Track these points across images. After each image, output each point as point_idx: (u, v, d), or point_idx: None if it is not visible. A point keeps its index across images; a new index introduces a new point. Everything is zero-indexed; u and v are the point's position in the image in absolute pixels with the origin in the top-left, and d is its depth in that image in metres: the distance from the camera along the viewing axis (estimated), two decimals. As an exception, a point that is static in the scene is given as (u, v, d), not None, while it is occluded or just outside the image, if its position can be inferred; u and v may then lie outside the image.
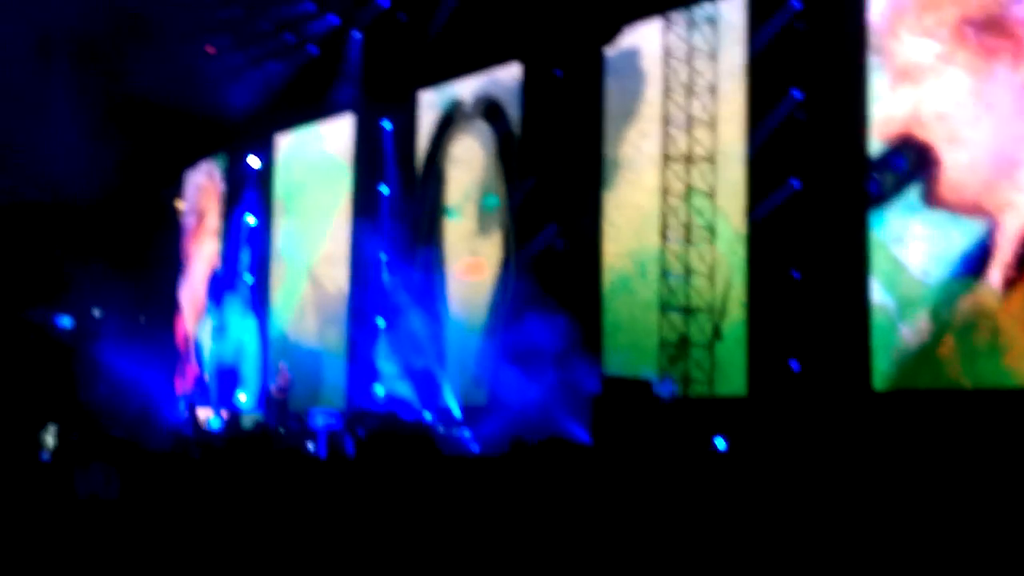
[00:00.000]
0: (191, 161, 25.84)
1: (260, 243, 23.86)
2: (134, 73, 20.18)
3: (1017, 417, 12.66)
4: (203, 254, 25.57)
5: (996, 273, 13.33)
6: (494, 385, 18.06)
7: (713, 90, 16.06)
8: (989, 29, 13.68)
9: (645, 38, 17.38)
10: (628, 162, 17.56)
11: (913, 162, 14.22)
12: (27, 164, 21.94)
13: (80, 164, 20.45)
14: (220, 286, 24.43)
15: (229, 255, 24.37)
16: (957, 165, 13.81)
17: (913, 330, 13.94)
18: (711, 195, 15.90)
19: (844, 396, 14.18)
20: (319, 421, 17.75)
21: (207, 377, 24.22)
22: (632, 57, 17.69)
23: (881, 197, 14.47)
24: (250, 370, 23.22)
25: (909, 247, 14.12)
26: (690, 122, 16.07)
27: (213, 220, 25.33)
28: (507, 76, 19.53)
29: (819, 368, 14.59)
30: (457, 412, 18.40)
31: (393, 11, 20.75)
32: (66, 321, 23.97)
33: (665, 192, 16.14)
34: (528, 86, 19.10)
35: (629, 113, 17.65)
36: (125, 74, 20.52)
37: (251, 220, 23.93)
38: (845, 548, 9.46)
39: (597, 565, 10.04)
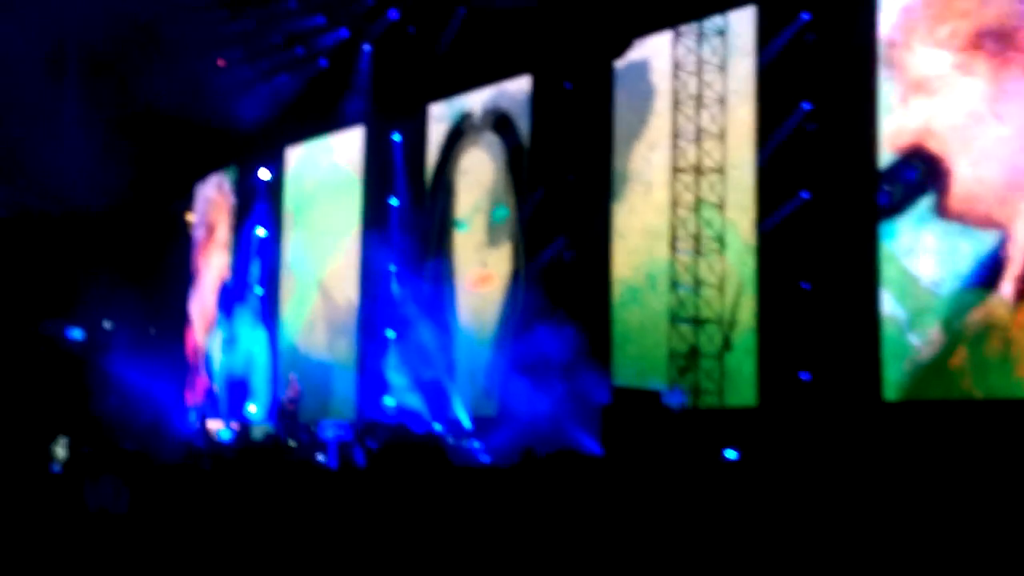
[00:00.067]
0: (201, 174, 25.91)
1: (270, 255, 23.91)
2: (145, 86, 20.26)
3: (1029, 428, 12.65)
4: (213, 266, 25.63)
5: (1008, 285, 13.32)
6: (504, 396, 18.07)
7: (722, 102, 16.09)
8: (1002, 41, 13.69)
9: (654, 51, 17.41)
10: (637, 174, 17.59)
11: (924, 173, 14.22)
12: (39, 176, 22.01)
13: (91, 176, 20.52)
14: (230, 298, 24.48)
15: (239, 267, 24.42)
16: (968, 176, 13.81)
17: (924, 341, 13.93)
18: (721, 206, 15.92)
19: (855, 407, 14.17)
20: (329, 433, 17.76)
21: (217, 389, 24.25)
22: (641, 69, 17.74)
23: (892, 208, 14.47)
24: (260, 382, 23.24)
25: (920, 258, 14.12)
26: (699, 134, 16.10)
27: (223, 232, 25.39)
28: (516, 88, 19.58)
29: (829, 379, 14.58)
30: (467, 423, 18.40)
31: (403, 24, 20.82)
32: (77, 333, 24.03)
33: (674, 204, 16.16)
34: (537, 98, 19.15)
35: (638, 125, 17.68)
36: (136, 87, 20.61)
37: (261, 232, 23.98)
38: (857, 559, 9.44)
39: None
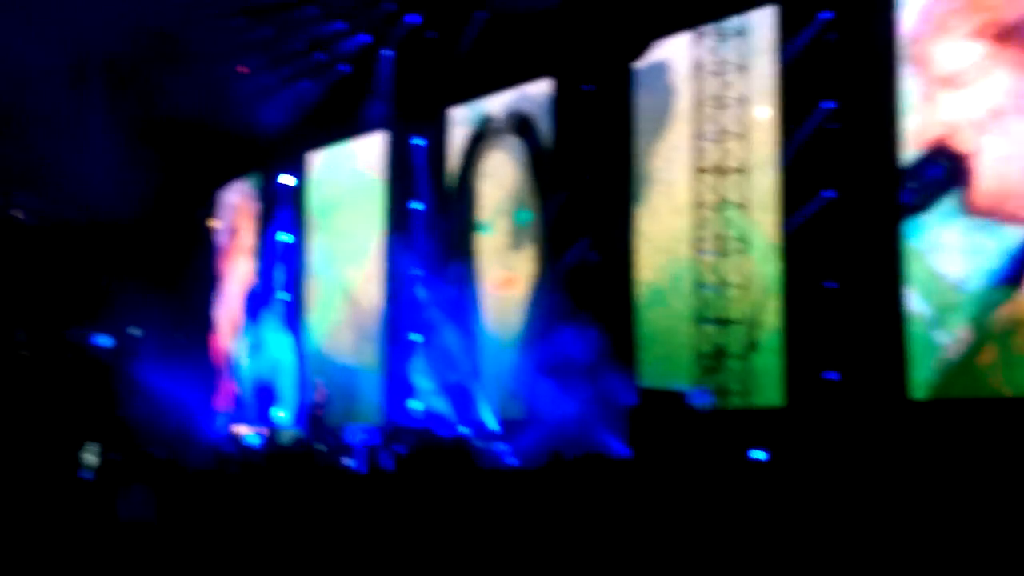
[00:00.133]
0: (225, 180, 26.04)
1: (295, 261, 24.03)
2: (168, 94, 20.38)
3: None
4: (238, 272, 25.77)
5: (1036, 281, 13.30)
6: (530, 399, 18.11)
7: (744, 102, 16.11)
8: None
9: (675, 51, 17.44)
10: (659, 175, 17.61)
11: (949, 170, 14.19)
12: (64, 185, 22.16)
13: (116, 185, 20.66)
14: (256, 304, 24.60)
15: (264, 273, 24.54)
16: (994, 172, 13.78)
17: (951, 339, 13.91)
18: (744, 206, 15.93)
19: (882, 406, 14.15)
20: (356, 437, 17.84)
21: (244, 394, 24.37)
22: (662, 70, 17.76)
23: (917, 206, 14.44)
24: (287, 387, 23.34)
25: (946, 256, 14.09)
26: (721, 134, 16.12)
27: (247, 238, 25.52)
28: (537, 91, 19.63)
29: (856, 378, 14.57)
30: (494, 426, 18.45)
31: (423, 29, 20.89)
32: (105, 340, 24.18)
33: (697, 204, 16.19)
34: (559, 101, 19.19)
35: (660, 126, 17.70)
36: (159, 95, 20.74)
37: (285, 238, 24.09)
38: (886, 558, 9.46)
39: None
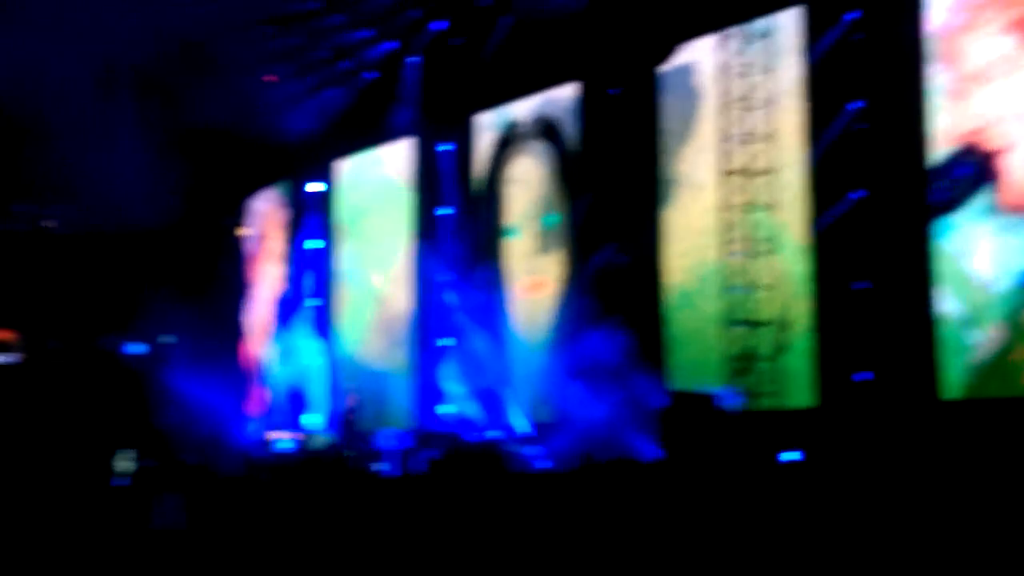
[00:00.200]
0: (254, 188, 26.21)
1: (324, 267, 24.16)
2: (196, 103, 20.53)
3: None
4: (268, 279, 25.92)
5: (1068, 279, 13.24)
6: (560, 402, 18.14)
7: (770, 103, 16.10)
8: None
9: (700, 54, 17.45)
10: (686, 177, 17.62)
11: (979, 168, 14.14)
12: (94, 194, 22.35)
13: (146, 194, 20.84)
14: (286, 310, 24.74)
15: (294, 280, 24.69)
16: (1025, 170, 13.73)
17: (983, 338, 13.85)
18: (772, 208, 15.92)
19: (913, 406, 14.11)
20: (387, 442, 17.92)
21: (276, 400, 24.49)
22: (687, 73, 17.77)
23: (947, 205, 14.39)
24: (318, 393, 23.45)
25: (977, 255, 14.03)
26: (748, 136, 16.12)
27: (276, 245, 25.67)
28: (563, 96, 19.67)
29: (887, 379, 14.53)
30: (525, 429, 18.49)
31: (449, 35, 20.97)
32: (137, 348, 24.37)
33: (725, 206, 16.19)
34: (585, 105, 19.23)
35: (686, 129, 17.70)
36: (187, 104, 20.89)
37: (315, 245, 24.23)
38: (920, 559, 9.44)
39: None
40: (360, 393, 19.89)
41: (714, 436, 13.53)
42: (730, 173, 16.22)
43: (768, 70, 16.18)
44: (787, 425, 14.85)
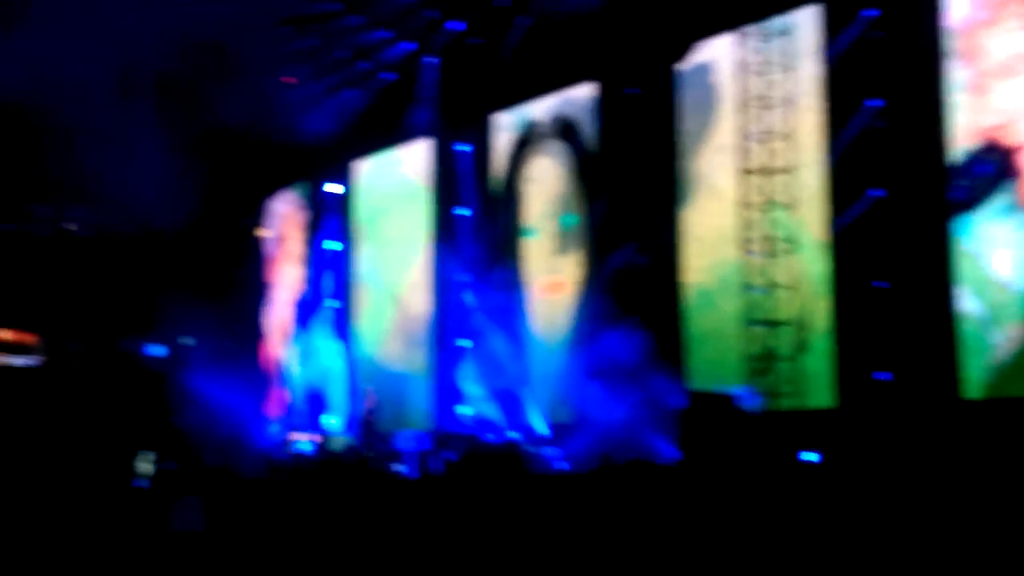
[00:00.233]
0: (273, 190, 26.27)
1: (343, 268, 24.20)
2: (215, 105, 20.59)
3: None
4: (287, 280, 25.98)
5: (1090, 277, 13.13)
6: (579, 403, 18.11)
7: (789, 102, 16.03)
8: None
9: (718, 52, 17.38)
10: (705, 176, 17.55)
11: (999, 166, 14.03)
12: (114, 197, 22.44)
13: (166, 196, 20.91)
14: (305, 311, 24.80)
15: (313, 281, 24.73)
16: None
17: (1005, 337, 13.75)
18: (791, 207, 15.85)
19: (934, 406, 14.02)
20: (406, 443, 17.93)
21: (295, 402, 24.55)
22: (706, 72, 17.70)
23: (967, 203, 14.28)
24: (337, 394, 23.49)
25: (997, 253, 13.93)
26: (767, 134, 16.05)
27: (295, 247, 25.73)
28: (581, 95, 19.64)
29: (908, 378, 14.44)
30: (544, 430, 18.47)
31: (467, 35, 20.96)
32: (157, 350, 24.46)
33: (744, 205, 16.13)
34: (603, 104, 19.19)
35: (705, 128, 17.64)
36: (206, 106, 20.95)
37: (333, 246, 24.27)
38: (939, 558, 9.38)
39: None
40: (379, 394, 19.91)
41: (733, 437, 13.48)
42: (748, 172, 16.15)
43: (786, 68, 16.10)
44: (807, 426, 14.78)
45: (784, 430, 14.47)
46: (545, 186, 20.15)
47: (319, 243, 24.58)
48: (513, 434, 18.24)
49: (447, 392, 20.84)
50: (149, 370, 23.67)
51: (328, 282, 24.28)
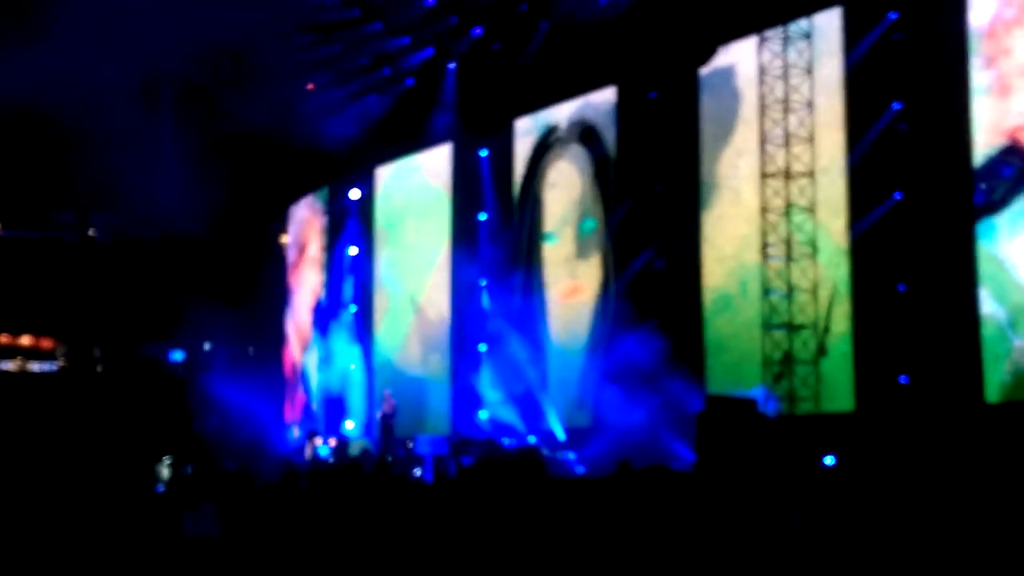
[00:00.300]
0: (295, 195, 26.35)
1: (363, 273, 24.21)
2: (237, 112, 20.66)
3: None
4: (307, 285, 26.03)
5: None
6: (598, 406, 18.05)
7: (810, 105, 15.93)
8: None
9: (739, 56, 17.30)
10: (725, 180, 17.47)
11: (1022, 169, 13.88)
12: (137, 203, 22.56)
13: (188, 202, 20.99)
14: (325, 316, 24.82)
15: (333, 286, 24.77)
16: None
17: (1026, 341, 13.62)
18: (811, 210, 15.74)
19: (956, 409, 13.87)
20: (425, 447, 17.90)
21: (315, 406, 24.58)
22: (727, 76, 17.62)
23: (989, 206, 14.15)
24: (356, 398, 23.50)
25: (1020, 256, 13.77)
26: (788, 138, 15.95)
27: (316, 252, 25.79)
28: (601, 100, 19.59)
29: (929, 382, 14.30)
30: (561, 435, 18.41)
31: (487, 41, 20.96)
32: (178, 354, 24.55)
33: (764, 209, 16.03)
34: (623, 109, 19.14)
35: (725, 132, 17.56)
36: (229, 113, 21.03)
37: (353, 251, 24.30)
38: (961, 562, 9.26)
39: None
40: (397, 398, 19.89)
41: (752, 441, 13.36)
42: (770, 176, 16.05)
43: (808, 71, 16.00)
44: (826, 430, 14.65)
45: (803, 434, 14.35)
46: (565, 191, 20.10)
47: (340, 248, 24.61)
48: (531, 438, 18.18)
49: (466, 396, 20.81)
50: (170, 375, 23.75)
51: (348, 287, 24.30)
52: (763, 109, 16.26)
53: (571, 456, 17.14)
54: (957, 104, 14.56)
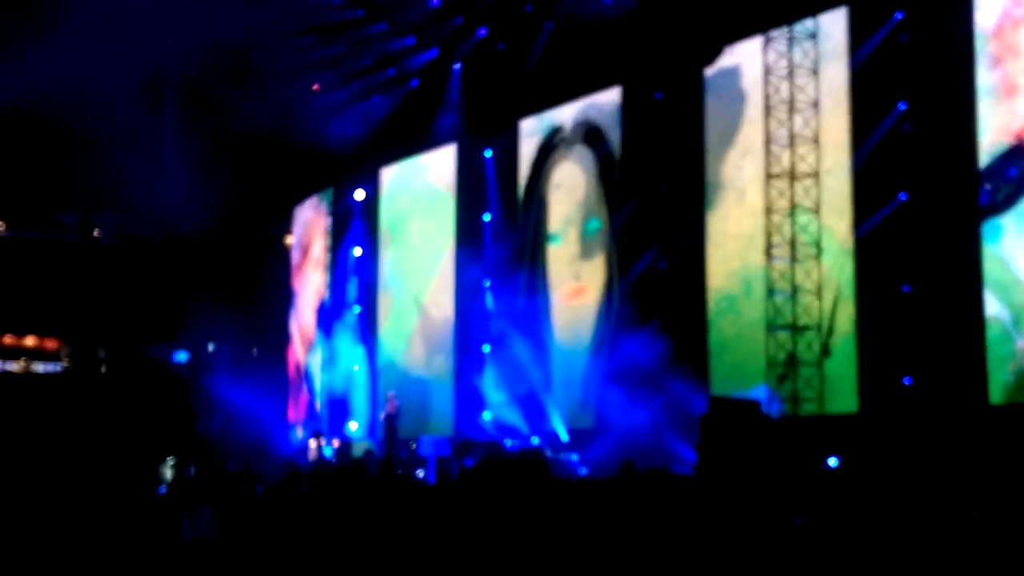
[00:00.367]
0: (299, 196, 26.34)
1: (367, 274, 24.19)
2: (242, 113, 20.65)
3: None
4: (311, 286, 26.02)
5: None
6: (601, 408, 18.00)
7: (815, 105, 15.87)
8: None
9: (745, 56, 17.25)
10: (730, 181, 17.42)
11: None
12: (141, 203, 22.57)
13: (192, 203, 20.98)
14: (329, 317, 24.81)
15: (337, 286, 24.75)
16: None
17: (1030, 342, 13.55)
18: (816, 211, 15.69)
19: (960, 410, 13.81)
20: (428, 449, 17.86)
21: (318, 406, 24.56)
22: (732, 76, 17.57)
23: (994, 207, 14.09)
24: (360, 399, 23.47)
25: (1024, 257, 13.73)
26: (792, 139, 15.89)
27: (320, 252, 25.78)
28: (606, 100, 19.55)
29: (933, 383, 14.24)
30: (564, 436, 18.36)
31: (492, 41, 20.92)
32: (182, 355, 24.54)
33: (769, 210, 15.97)
34: (627, 109, 19.09)
35: (730, 132, 17.51)
36: (233, 113, 21.02)
37: (358, 252, 24.28)
38: (965, 564, 9.21)
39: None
40: (401, 399, 19.86)
41: (755, 442, 13.30)
42: (774, 176, 15.99)
43: (813, 72, 15.95)
44: (829, 431, 14.60)
45: (807, 435, 14.29)
46: (570, 191, 20.05)
47: (344, 249, 24.59)
48: (534, 439, 18.14)
49: (469, 397, 20.77)
50: (174, 375, 23.74)
51: (352, 288, 24.28)
52: (768, 109, 16.21)
53: (574, 457, 17.09)
54: (962, 105, 14.50)
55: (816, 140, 15.83)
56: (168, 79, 21.61)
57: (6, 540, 11.83)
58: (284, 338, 26.43)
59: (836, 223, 15.70)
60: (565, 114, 20.28)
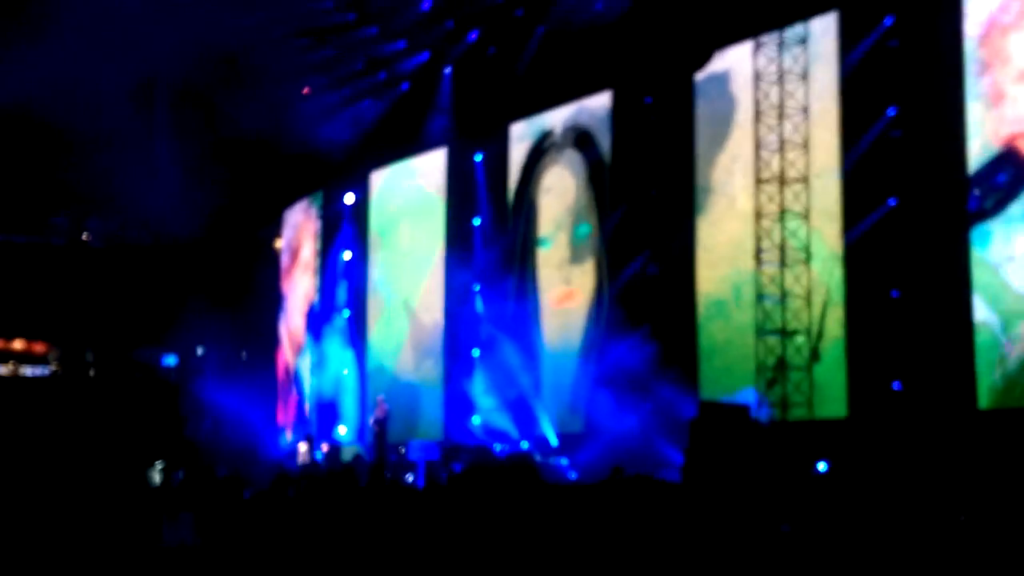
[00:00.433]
0: (289, 200, 26.31)
1: (357, 277, 24.16)
2: (232, 116, 20.64)
3: None
4: (300, 290, 25.98)
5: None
6: (590, 412, 18.00)
7: (805, 111, 15.90)
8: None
9: (735, 61, 17.26)
10: (720, 186, 17.43)
11: (1017, 175, 13.84)
12: (130, 207, 22.52)
13: (182, 206, 20.95)
14: (319, 320, 24.77)
15: (327, 290, 24.72)
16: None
17: (1019, 347, 13.55)
18: (806, 216, 15.70)
19: (949, 416, 13.82)
20: (417, 453, 17.84)
21: (308, 410, 24.51)
22: (722, 81, 17.59)
23: (983, 213, 14.12)
24: (349, 403, 23.44)
25: (1014, 263, 13.73)
26: (782, 144, 15.91)
27: (309, 256, 25.75)
28: (597, 104, 19.56)
29: (922, 388, 14.26)
30: (554, 440, 18.36)
31: (482, 45, 20.92)
32: (171, 359, 24.48)
33: (758, 215, 15.99)
34: (618, 114, 19.10)
35: (720, 137, 17.53)
36: (223, 117, 21.01)
37: (347, 255, 24.26)
38: (953, 570, 9.21)
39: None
40: (390, 403, 19.84)
41: (744, 446, 13.31)
42: (764, 181, 16.00)
43: (803, 77, 15.97)
44: (820, 436, 14.61)
45: (796, 440, 14.30)
46: (560, 196, 20.05)
47: (333, 253, 24.56)
48: (524, 444, 18.12)
49: (459, 402, 20.76)
50: (163, 379, 23.68)
51: (342, 291, 24.26)
52: (758, 114, 16.23)
53: (564, 462, 17.08)
54: (952, 110, 14.52)
55: (806, 145, 15.85)
56: (158, 82, 21.58)
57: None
58: (273, 342, 26.38)
59: (826, 228, 15.71)
60: (555, 118, 20.28)
